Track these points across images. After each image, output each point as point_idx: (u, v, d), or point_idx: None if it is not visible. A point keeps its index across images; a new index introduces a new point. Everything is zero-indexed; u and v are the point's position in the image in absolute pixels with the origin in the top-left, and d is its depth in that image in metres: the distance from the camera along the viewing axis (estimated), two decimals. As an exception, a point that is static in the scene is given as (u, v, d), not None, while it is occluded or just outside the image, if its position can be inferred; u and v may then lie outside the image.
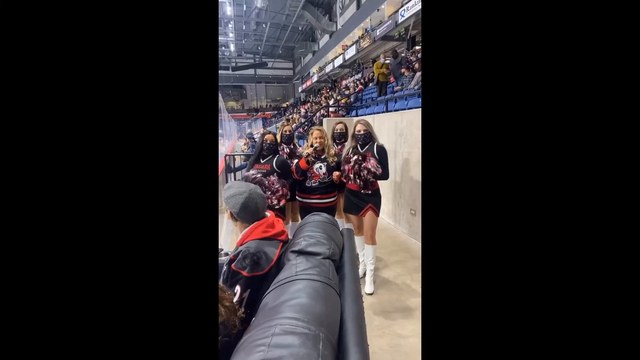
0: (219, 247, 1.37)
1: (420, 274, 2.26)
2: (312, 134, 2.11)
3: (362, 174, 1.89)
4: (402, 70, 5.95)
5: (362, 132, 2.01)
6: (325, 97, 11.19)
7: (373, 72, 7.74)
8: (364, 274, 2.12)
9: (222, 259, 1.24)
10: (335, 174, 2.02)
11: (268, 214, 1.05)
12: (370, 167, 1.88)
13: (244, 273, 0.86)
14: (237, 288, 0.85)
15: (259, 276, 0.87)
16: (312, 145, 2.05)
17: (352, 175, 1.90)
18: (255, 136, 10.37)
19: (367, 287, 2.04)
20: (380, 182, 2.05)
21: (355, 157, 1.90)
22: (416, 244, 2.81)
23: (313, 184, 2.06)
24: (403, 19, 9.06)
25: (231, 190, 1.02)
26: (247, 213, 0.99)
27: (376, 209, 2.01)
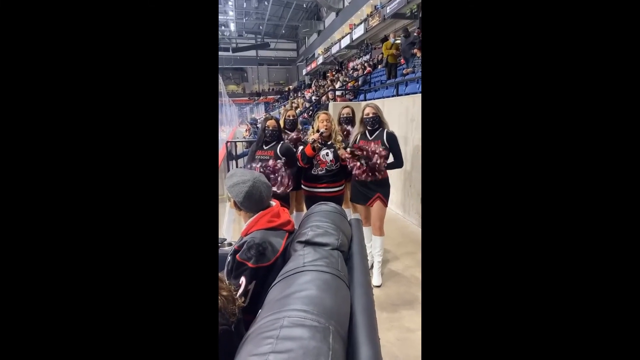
0: (222, 237, 1.38)
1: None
2: (318, 118, 2.09)
3: (374, 167, 1.87)
4: (414, 50, 5.81)
5: (370, 116, 1.98)
6: (331, 80, 11.05)
7: (382, 53, 7.58)
8: (372, 266, 2.14)
9: (226, 249, 1.26)
10: (341, 152, 1.99)
11: (273, 203, 1.05)
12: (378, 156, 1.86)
13: (249, 264, 0.87)
14: (242, 279, 0.86)
15: (265, 267, 0.88)
16: (318, 131, 2.04)
17: (360, 172, 1.87)
18: (258, 121, 10.34)
19: (375, 279, 2.07)
20: (389, 171, 2.03)
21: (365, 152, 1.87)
22: (426, 236, 2.82)
23: (319, 172, 2.06)
24: (415, -6, 8.80)
25: (234, 179, 1.02)
26: (252, 202, 0.99)
27: (385, 199, 2.01)
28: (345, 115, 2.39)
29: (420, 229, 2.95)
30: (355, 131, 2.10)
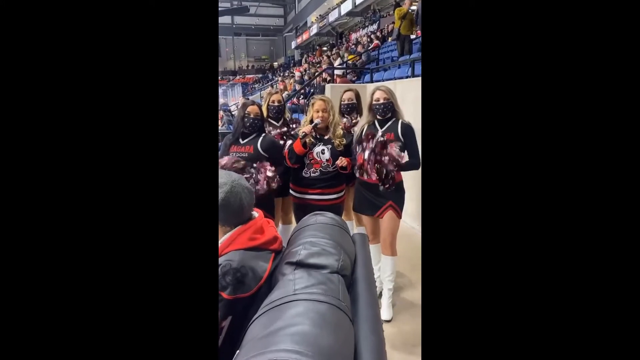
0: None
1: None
2: (312, 105, 2.10)
3: (382, 166, 1.87)
4: None
5: (381, 102, 2.00)
6: (328, 56, 11.14)
7: (393, 23, 7.67)
8: (380, 295, 2.15)
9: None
10: (343, 160, 2.01)
11: (256, 213, 1.05)
12: (393, 153, 1.85)
13: (224, 295, 0.87)
14: (215, 313, 0.87)
15: (245, 299, 0.88)
16: (311, 122, 2.05)
17: (367, 168, 1.88)
18: (232, 108, 10.36)
19: (384, 311, 2.08)
20: (404, 174, 2.05)
21: (371, 143, 1.88)
22: (450, 256, 2.85)
23: (312, 174, 2.07)
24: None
25: None
26: (229, 213, 0.99)
27: (398, 209, 2.03)
28: (347, 102, 2.41)
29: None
30: (361, 121, 2.12)
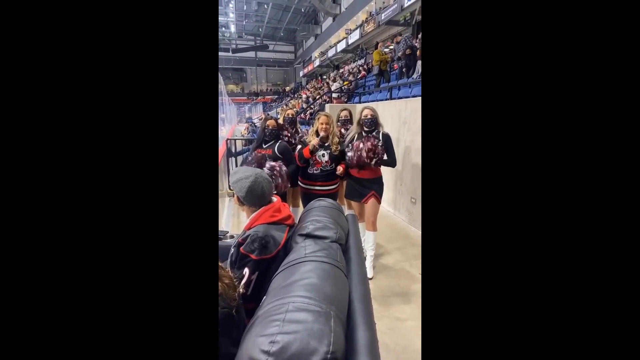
0: (225, 229, 1.39)
1: (419, 261, 2.31)
2: (318, 119, 2.10)
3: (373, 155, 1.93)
4: (407, 51, 5.76)
5: (369, 117, 2.01)
6: (327, 83, 11.04)
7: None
8: (364, 259, 2.16)
9: (228, 241, 1.27)
10: (340, 168, 2.03)
11: (275, 199, 1.07)
12: (378, 147, 1.92)
13: (253, 256, 0.88)
14: (246, 270, 0.88)
15: (267, 259, 0.90)
16: (317, 134, 2.05)
17: (364, 154, 1.92)
18: (255, 121, 10.30)
19: (367, 272, 2.09)
20: (384, 171, 2.06)
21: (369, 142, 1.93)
22: (415, 232, 2.86)
23: (315, 172, 2.08)
24: (409, 3, 8.82)
25: (237, 175, 1.04)
26: (254, 197, 1.01)
27: (379, 196, 2.04)
28: (343, 118, 2.42)
29: (410, 226, 2.99)
30: (351, 132, 2.12)
